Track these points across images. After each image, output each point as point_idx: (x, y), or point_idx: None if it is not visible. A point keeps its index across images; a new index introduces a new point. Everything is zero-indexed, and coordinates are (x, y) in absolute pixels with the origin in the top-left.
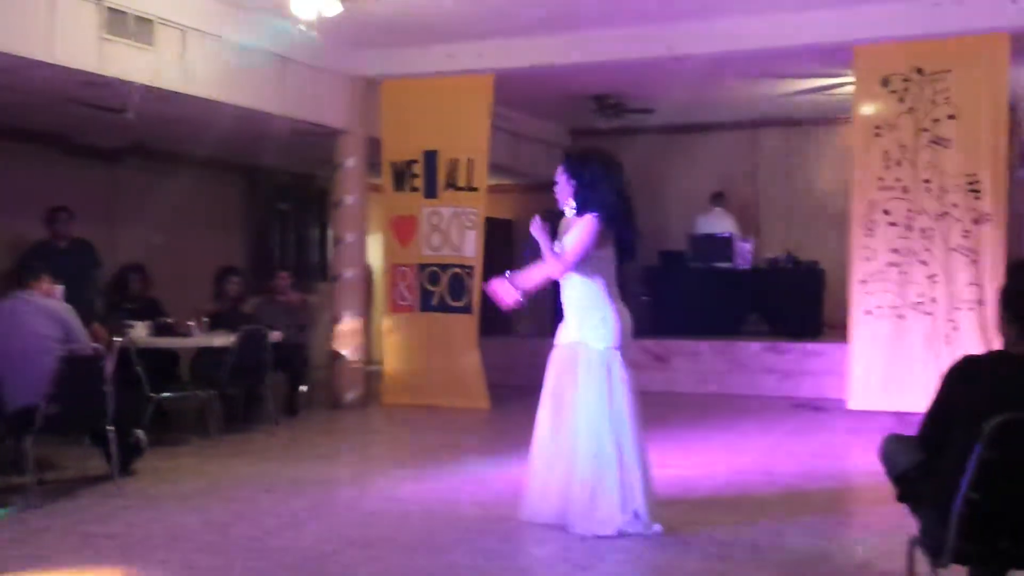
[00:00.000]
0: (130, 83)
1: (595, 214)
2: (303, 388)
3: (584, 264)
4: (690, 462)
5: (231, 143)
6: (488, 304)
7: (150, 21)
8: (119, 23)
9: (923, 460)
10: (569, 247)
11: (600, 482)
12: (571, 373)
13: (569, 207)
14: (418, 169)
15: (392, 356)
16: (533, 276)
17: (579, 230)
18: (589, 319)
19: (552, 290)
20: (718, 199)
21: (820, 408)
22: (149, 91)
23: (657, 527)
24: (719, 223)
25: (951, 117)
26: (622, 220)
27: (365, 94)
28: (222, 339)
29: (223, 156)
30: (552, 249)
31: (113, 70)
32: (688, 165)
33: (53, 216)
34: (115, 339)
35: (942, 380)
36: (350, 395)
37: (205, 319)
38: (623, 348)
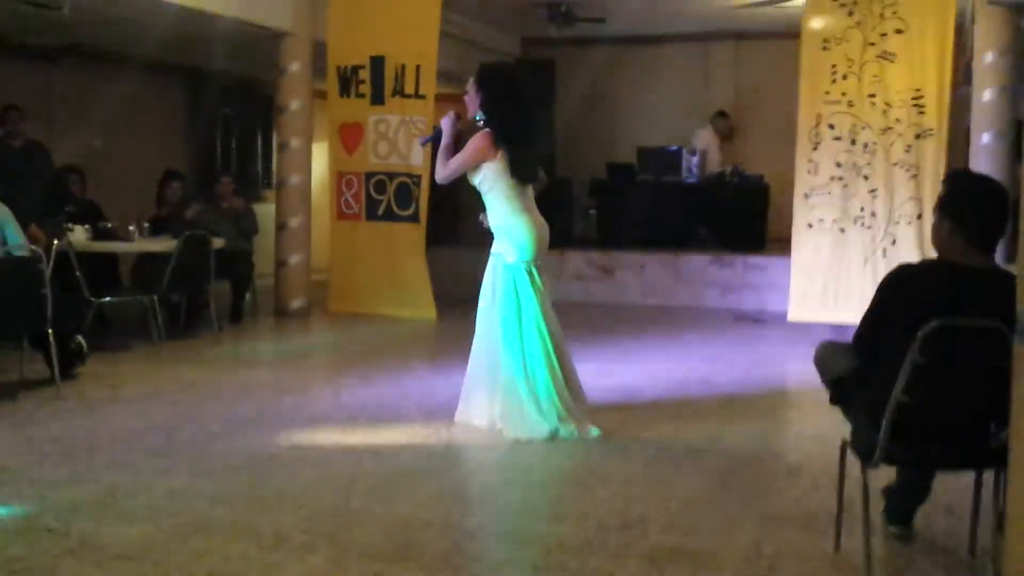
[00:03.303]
0: None
1: (486, 132)
2: (247, 295)
3: (484, 181)
4: (633, 371)
5: (173, 45)
6: (435, 213)
7: None
8: None
9: (857, 365)
10: (453, 159)
11: (514, 388)
12: (488, 284)
13: (478, 116)
14: (364, 75)
15: (338, 264)
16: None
17: (466, 146)
18: (500, 233)
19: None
20: (718, 119)
21: (761, 320)
22: None
23: (594, 430)
24: (712, 141)
25: (899, 32)
26: (515, 140)
27: None
28: (163, 244)
29: (165, 58)
30: (444, 155)
31: None
32: (639, 77)
33: (3, 115)
34: (54, 242)
35: (878, 288)
36: (295, 303)
37: (146, 224)
38: (535, 261)
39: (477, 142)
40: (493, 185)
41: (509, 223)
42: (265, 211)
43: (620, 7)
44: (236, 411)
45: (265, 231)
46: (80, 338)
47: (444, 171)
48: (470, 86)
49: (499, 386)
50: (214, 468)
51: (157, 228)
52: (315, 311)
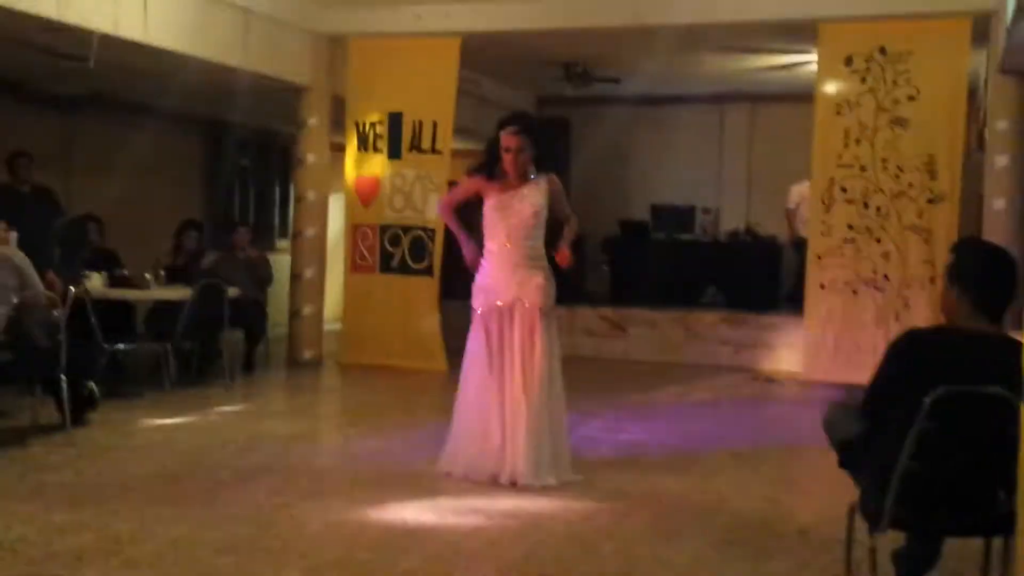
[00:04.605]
0: (89, 31)
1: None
2: (260, 345)
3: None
4: (642, 427)
5: (194, 96)
6: (450, 267)
7: None
8: None
9: (865, 429)
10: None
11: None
12: (526, 333)
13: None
14: (382, 130)
15: (351, 316)
16: None
17: (558, 186)
18: (545, 270)
19: None
20: None
21: (773, 380)
22: (109, 40)
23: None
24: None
25: (911, 98)
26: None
27: (331, 52)
28: (179, 293)
29: (185, 109)
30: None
31: (73, 17)
32: (654, 137)
33: (13, 161)
34: (70, 289)
35: (886, 352)
36: (308, 354)
37: (162, 272)
38: (481, 308)
39: (556, 180)
40: (543, 230)
41: (547, 266)
42: (280, 261)
43: (636, 68)
44: (245, 461)
45: (280, 281)
46: (92, 384)
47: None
48: (521, 142)
49: (562, 435)
50: (220, 518)
51: (173, 276)
52: (328, 362)
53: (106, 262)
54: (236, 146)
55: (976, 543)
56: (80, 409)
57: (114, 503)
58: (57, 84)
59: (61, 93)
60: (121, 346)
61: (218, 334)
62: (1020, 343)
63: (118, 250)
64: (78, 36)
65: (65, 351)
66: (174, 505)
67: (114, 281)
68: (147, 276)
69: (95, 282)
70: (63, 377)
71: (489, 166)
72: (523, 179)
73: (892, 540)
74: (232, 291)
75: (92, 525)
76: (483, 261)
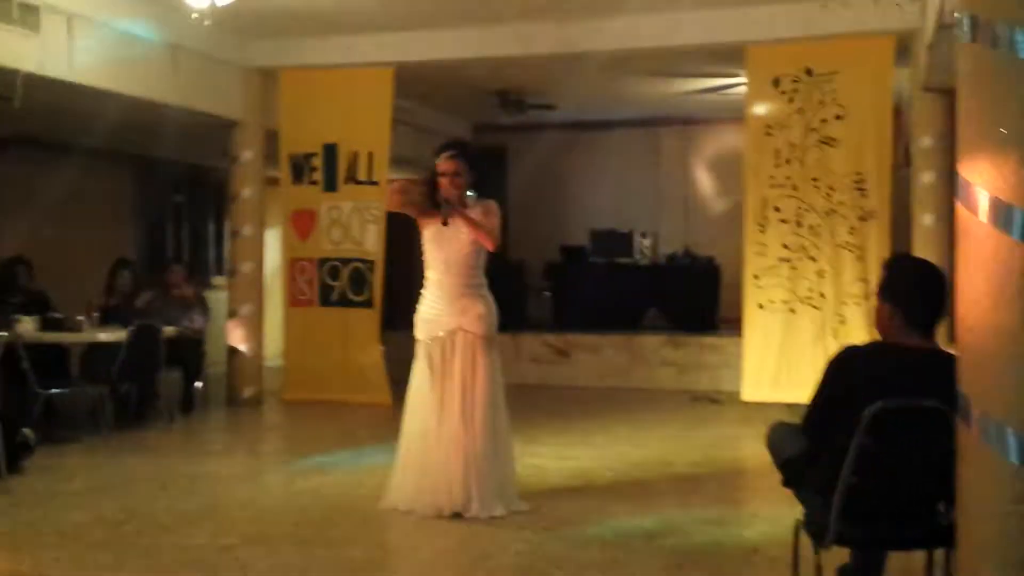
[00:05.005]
0: (14, 71)
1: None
2: (198, 384)
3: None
4: (589, 454)
5: (123, 133)
6: (391, 298)
7: (36, 7)
8: (3, 9)
9: (807, 447)
10: (492, 224)
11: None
12: (464, 360)
13: (470, 193)
14: (317, 162)
15: (292, 351)
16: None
17: (493, 212)
18: (484, 300)
19: None
20: None
21: (717, 400)
22: (34, 79)
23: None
24: None
25: (838, 117)
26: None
27: (262, 85)
28: (113, 334)
29: (115, 146)
30: (475, 225)
31: None
32: (590, 161)
33: None
34: (1, 334)
35: (825, 370)
36: (247, 391)
37: (96, 313)
38: (423, 339)
39: (495, 207)
40: (484, 258)
41: (488, 294)
42: (217, 298)
43: (569, 94)
44: (186, 503)
45: (217, 318)
46: (27, 431)
47: (494, 238)
48: (458, 166)
49: (508, 464)
50: (163, 564)
51: (107, 317)
52: (269, 399)
53: (37, 305)
54: (168, 182)
55: (919, 555)
56: (15, 456)
57: (53, 551)
58: None
59: None
60: (56, 390)
61: (155, 375)
62: (954, 357)
63: (48, 292)
64: (2, 76)
65: None
66: (115, 552)
67: (46, 324)
68: (80, 318)
69: (27, 326)
70: None
71: (429, 197)
72: (461, 204)
73: (837, 556)
74: (168, 331)
75: (31, 575)
76: (424, 291)
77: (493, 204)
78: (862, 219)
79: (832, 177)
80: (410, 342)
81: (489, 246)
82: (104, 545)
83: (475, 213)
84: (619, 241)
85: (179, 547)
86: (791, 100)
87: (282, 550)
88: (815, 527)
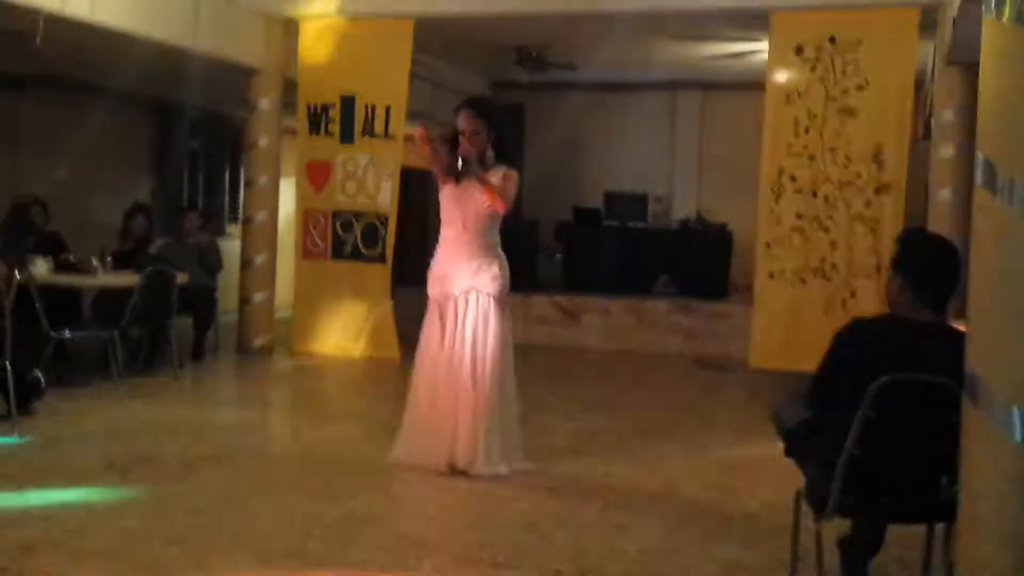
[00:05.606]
0: (36, 9)
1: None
2: (209, 332)
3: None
4: (595, 416)
5: (143, 77)
6: (402, 254)
7: None
8: None
9: (810, 417)
10: (509, 188)
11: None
12: (476, 320)
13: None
14: (334, 113)
15: (302, 303)
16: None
17: (510, 178)
18: (496, 263)
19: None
20: None
21: (723, 367)
22: (56, 19)
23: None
24: None
25: (860, 88)
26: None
27: (283, 33)
28: (126, 279)
29: (134, 90)
30: (485, 183)
31: None
32: (608, 123)
33: None
34: (15, 274)
35: (832, 341)
36: (258, 341)
37: (109, 258)
38: (435, 297)
39: (515, 176)
40: (499, 219)
41: (502, 255)
42: (230, 247)
43: (591, 55)
44: (194, 451)
45: (230, 268)
46: (38, 373)
47: (507, 203)
48: (476, 124)
49: (513, 423)
50: (170, 509)
51: (120, 262)
52: (278, 349)
53: (51, 247)
54: (186, 129)
55: (919, 529)
56: (25, 398)
57: (61, 494)
58: (3, 62)
59: (7, 72)
60: (67, 334)
61: (166, 321)
62: (962, 333)
63: (63, 234)
64: (24, 14)
65: (10, 338)
66: (123, 496)
67: (60, 267)
68: (94, 262)
69: (40, 268)
70: (8, 365)
71: (450, 154)
72: (480, 163)
73: (838, 526)
74: (181, 277)
75: (39, 516)
76: (438, 248)
77: (513, 172)
78: (878, 192)
79: (850, 148)
80: (420, 299)
81: (500, 209)
82: (113, 489)
83: (495, 177)
84: (633, 204)
85: (186, 493)
86: (813, 68)
87: (287, 499)
88: (816, 497)
